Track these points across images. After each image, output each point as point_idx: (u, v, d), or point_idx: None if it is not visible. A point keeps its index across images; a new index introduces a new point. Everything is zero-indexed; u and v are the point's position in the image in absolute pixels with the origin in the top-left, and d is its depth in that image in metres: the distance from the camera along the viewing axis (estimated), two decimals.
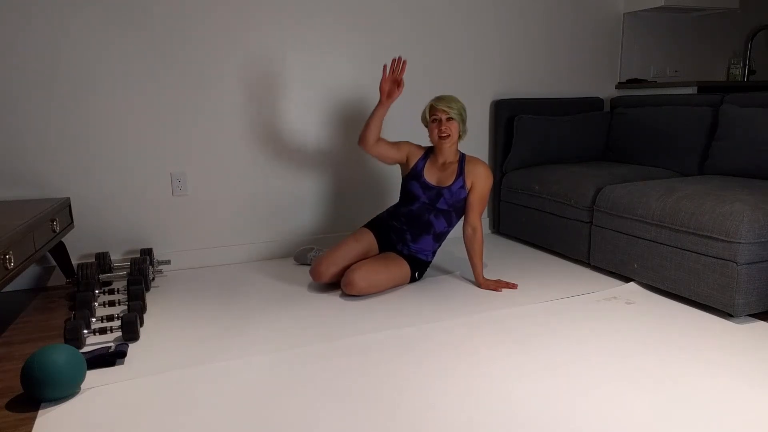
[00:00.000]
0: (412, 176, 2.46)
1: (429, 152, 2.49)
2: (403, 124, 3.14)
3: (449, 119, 2.36)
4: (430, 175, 2.45)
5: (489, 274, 2.60)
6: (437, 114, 2.36)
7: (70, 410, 1.52)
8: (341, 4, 2.89)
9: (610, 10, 3.57)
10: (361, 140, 2.42)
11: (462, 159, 2.45)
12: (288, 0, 2.79)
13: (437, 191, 2.42)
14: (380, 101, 2.36)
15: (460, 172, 2.42)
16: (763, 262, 2.02)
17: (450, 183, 2.42)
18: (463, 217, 2.49)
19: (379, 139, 2.43)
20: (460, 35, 3.19)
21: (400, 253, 2.48)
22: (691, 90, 3.24)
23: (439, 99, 2.38)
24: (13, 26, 2.39)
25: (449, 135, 2.36)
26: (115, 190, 2.66)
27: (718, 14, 3.89)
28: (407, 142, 2.52)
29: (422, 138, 3.20)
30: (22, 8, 2.39)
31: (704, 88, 3.25)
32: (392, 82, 2.36)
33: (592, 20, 3.53)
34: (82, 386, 1.64)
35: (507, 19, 3.29)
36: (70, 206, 2.52)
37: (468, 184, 2.43)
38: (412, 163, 2.48)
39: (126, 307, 2.26)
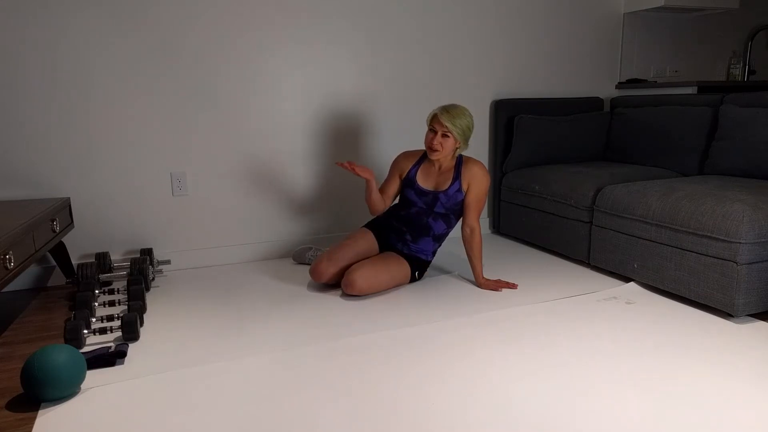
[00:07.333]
0: (406, 184, 2.46)
1: (424, 156, 2.48)
2: (402, 123, 3.14)
3: (445, 135, 2.33)
4: (425, 180, 2.44)
5: (489, 274, 2.60)
6: (435, 126, 2.34)
7: (70, 410, 1.52)
8: (342, 4, 2.89)
9: (610, 10, 3.57)
10: (374, 212, 2.51)
11: (459, 162, 2.43)
12: (287, 2, 2.79)
13: (433, 195, 2.41)
14: (366, 180, 2.43)
15: (457, 176, 2.41)
16: (763, 262, 2.02)
17: (446, 187, 2.41)
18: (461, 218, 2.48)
19: (385, 195, 2.52)
20: (461, 35, 3.19)
21: (401, 253, 2.48)
22: (691, 90, 3.24)
23: (445, 111, 2.32)
24: (14, 27, 2.39)
25: (439, 150, 2.34)
26: (115, 190, 2.66)
27: (718, 14, 3.89)
28: (396, 162, 2.51)
29: (419, 137, 3.20)
30: (22, 9, 2.39)
31: (704, 88, 3.25)
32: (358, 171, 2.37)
33: (592, 20, 3.53)
34: (82, 386, 1.64)
35: (507, 19, 3.29)
36: (70, 206, 2.52)
37: (464, 187, 2.42)
38: (405, 173, 2.47)
39: (126, 307, 2.26)
